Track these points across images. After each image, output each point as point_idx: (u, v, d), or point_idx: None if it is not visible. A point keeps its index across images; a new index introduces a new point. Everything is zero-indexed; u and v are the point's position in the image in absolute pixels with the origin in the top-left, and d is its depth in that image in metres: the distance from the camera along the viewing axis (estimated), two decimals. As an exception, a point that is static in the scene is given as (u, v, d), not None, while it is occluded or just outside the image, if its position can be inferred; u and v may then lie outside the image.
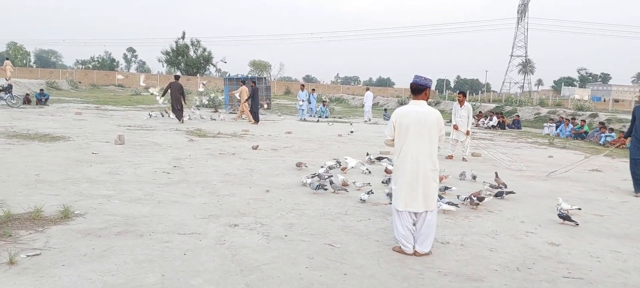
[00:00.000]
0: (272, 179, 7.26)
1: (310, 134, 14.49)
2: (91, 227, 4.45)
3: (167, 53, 61.64)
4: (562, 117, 22.49)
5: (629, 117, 23.58)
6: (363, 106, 24.23)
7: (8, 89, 19.29)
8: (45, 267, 3.49)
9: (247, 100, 18.03)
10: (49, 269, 3.46)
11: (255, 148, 10.20)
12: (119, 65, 71.52)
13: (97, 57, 69.60)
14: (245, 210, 5.40)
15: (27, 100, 20.00)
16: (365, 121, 21.72)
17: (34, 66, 77.26)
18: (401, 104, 40.66)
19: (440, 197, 5.81)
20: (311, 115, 23.82)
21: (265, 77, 27.97)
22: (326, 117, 22.51)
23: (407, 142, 4.17)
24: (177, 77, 16.70)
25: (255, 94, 17.32)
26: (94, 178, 6.55)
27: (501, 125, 21.67)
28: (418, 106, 4.25)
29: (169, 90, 15.88)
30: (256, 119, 17.32)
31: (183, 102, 15.83)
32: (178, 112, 15.79)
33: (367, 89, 25.26)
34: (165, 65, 63.42)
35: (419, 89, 4.28)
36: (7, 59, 26.56)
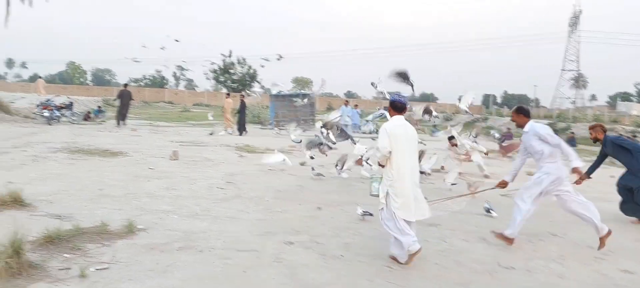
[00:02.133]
0: (323, 196, 7.25)
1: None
2: (154, 241, 4.56)
3: (214, 71, 63.29)
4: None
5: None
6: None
7: (69, 106, 20.28)
8: (114, 281, 3.59)
9: (237, 112, 19.70)
10: (117, 283, 3.56)
11: (303, 164, 10.24)
12: (168, 83, 73.99)
13: (149, 75, 72.37)
14: (300, 227, 5.41)
15: (87, 117, 20.96)
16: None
17: (91, 84, 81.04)
18: (447, 119, 39.98)
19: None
20: (355, 131, 23.75)
21: (309, 93, 28.20)
22: (370, 132, 22.35)
23: (402, 156, 4.38)
24: (125, 85, 20.47)
25: (244, 107, 19.44)
26: (153, 193, 6.74)
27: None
28: (402, 121, 4.54)
29: (120, 98, 19.02)
30: (240, 132, 18.73)
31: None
32: (123, 116, 18.95)
33: (347, 103, 25.13)
34: (212, 82, 65.06)
35: (401, 107, 4.62)
36: (40, 77, 28.21)
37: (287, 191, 7.50)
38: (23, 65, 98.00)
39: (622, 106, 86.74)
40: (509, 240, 5.00)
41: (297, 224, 5.53)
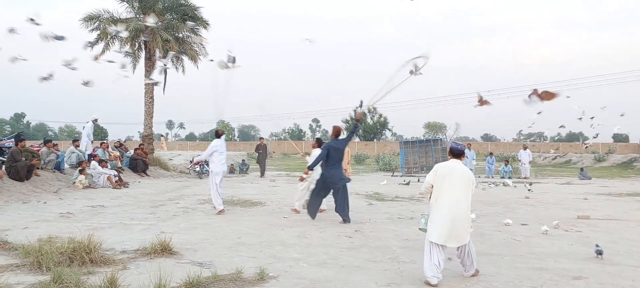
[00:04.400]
0: (451, 250, 6.99)
1: (489, 195, 13.70)
2: (283, 289, 4.84)
3: (346, 121, 65.48)
4: None
5: None
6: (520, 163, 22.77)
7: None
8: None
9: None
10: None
11: (423, 230, 9.99)
12: (306, 135, 78.22)
13: (288, 129, 77.36)
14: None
15: (232, 170, 22.98)
16: (524, 179, 19.64)
17: (237, 140, 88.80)
18: (598, 160, 35.97)
19: None
20: (487, 176, 22.58)
21: (440, 138, 27.63)
22: (509, 177, 21.02)
23: (444, 188, 5.24)
24: (260, 139, 23.25)
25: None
26: (285, 241, 7.16)
27: None
28: (456, 164, 5.37)
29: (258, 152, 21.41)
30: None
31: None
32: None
33: (525, 148, 23.36)
34: (345, 132, 67.27)
35: (458, 153, 5.45)
36: (162, 136, 31.80)
37: (416, 240, 7.39)
38: (181, 125, 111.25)
39: None
40: None
41: (423, 275, 5.42)
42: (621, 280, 5.21)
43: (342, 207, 8.87)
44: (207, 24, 22.92)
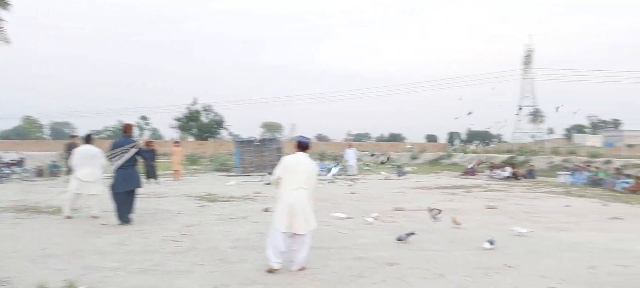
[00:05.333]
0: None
1: (321, 192, 14.37)
2: (96, 302, 4.32)
3: (179, 119, 62.74)
4: (577, 165, 22.15)
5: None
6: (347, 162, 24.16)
7: (20, 162, 19.61)
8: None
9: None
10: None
11: (266, 210, 10.08)
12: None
13: (111, 127, 71.14)
14: (256, 277, 5.24)
15: (40, 173, 20.20)
16: (351, 179, 20.02)
17: (49, 138, 78.74)
18: (413, 158, 40.50)
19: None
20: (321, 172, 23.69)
21: (276, 138, 28.22)
22: (339, 175, 22.34)
23: (289, 180, 5.50)
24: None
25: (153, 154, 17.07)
26: (102, 249, 6.45)
27: (515, 176, 21.36)
28: (303, 157, 5.63)
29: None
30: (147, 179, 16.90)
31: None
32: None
33: (350, 146, 25.32)
34: (178, 131, 64.40)
35: (304, 146, 5.72)
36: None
37: (247, 240, 7.31)
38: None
39: (578, 138, 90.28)
40: None
41: (253, 274, 5.36)
42: (427, 263, 5.82)
43: (125, 209, 8.39)
44: (7, 3, 19.99)
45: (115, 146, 8.59)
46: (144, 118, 73.13)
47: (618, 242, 7.18)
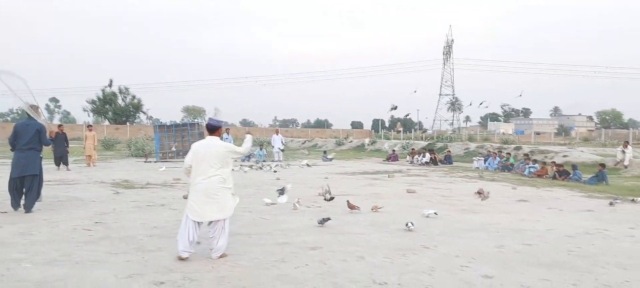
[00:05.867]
0: (205, 229, 6.89)
1: (246, 179, 14.19)
2: (-7, 297, 3.96)
3: (93, 102, 59.21)
4: (490, 151, 23.59)
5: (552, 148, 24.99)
6: (273, 148, 24.14)
7: None
8: None
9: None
10: None
11: (186, 197, 9.76)
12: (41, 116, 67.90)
13: (16, 109, 65.76)
14: (173, 266, 5.05)
15: None
16: (276, 165, 19.92)
17: None
18: (339, 144, 41.16)
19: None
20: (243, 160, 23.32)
21: (197, 122, 27.45)
22: (263, 161, 22.22)
23: (201, 167, 5.25)
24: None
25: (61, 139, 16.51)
26: (3, 240, 5.94)
27: (434, 162, 22.36)
28: (212, 141, 5.41)
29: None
30: (58, 165, 16.55)
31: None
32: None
33: (276, 132, 25.28)
34: (91, 114, 60.81)
35: (214, 128, 5.48)
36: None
37: (165, 227, 7.04)
38: None
39: (492, 126, 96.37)
40: None
41: (170, 263, 5.16)
42: (348, 247, 5.92)
43: (19, 195, 7.92)
44: None
45: (18, 129, 7.93)
46: (54, 100, 68.26)
47: (524, 223, 7.71)
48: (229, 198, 5.40)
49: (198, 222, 5.29)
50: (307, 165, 19.78)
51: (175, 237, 6.21)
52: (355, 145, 40.21)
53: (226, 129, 26.27)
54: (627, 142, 20.92)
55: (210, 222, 5.33)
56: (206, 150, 5.31)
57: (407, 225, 6.90)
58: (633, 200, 10.35)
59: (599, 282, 4.62)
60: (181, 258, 5.18)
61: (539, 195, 11.52)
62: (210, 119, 5.66)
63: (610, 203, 9.72)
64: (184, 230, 5.25)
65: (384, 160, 25.07)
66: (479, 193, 7.86)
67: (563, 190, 12.48)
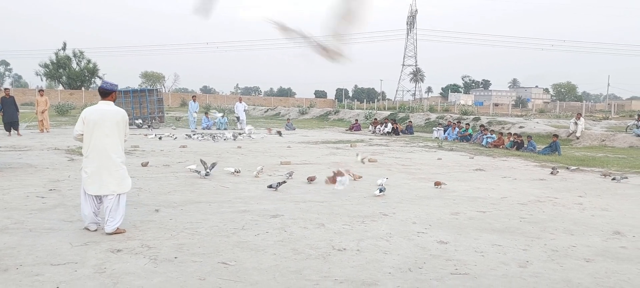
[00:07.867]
0: (163, 197, 6.83)
1: (207, 147, 14.02)
2: (-62, 266, 3.81)
3: (46, 66, 56.60)
4: (450, 122, 24.10)
5: (507, 119, 25.73)
6: (238, 118, 23.75)
7: None
8: None
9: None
10: None
11: (144, 165, 9.60)
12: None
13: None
14: (131, 233, 4.98)
15: None
16: (240, 133, 19.07)
17: None
18: (302, 113, 41.10)
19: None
20: (204, 127, 22.96)
21: (156, 89, 26.74)
22: (225, 129, 21.95)
23: (95, 136, 4.87)
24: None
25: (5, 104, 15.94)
26: (-52, 209, 5.69)
27: (395, 131, 22.69)
28: (107, 106, 5.01)
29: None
30: (8, 130, 16.03)
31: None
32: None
33: (240, 100, 24.84)
34: (44, 79, 58.19)
35: (106, 92, 5.04)
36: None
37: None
38: None
39: (452, 97, 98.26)
40: None
41: (128, 230, 5.09)
42: (309, 214, 5.99)
43: None
44: None
45: None
46: (4, 63, 64.85)
47: (479, 191, 7.99)
48: (126, 170, 5.12)
49: (95, 196, 4.95)
50: (279, 133, 19.67)
51: (132, 205, 6.15)
52: (319, 114, 40.27)
53: (193, 96, 25.66)
54: (580, 114, 21.83)
55: (105, 196, 4.94)
56: (100, 116, 4.90)
57: (378, 190, 7.32)
58: (567, 168, 10.94)
59: (547, 247, 4.86)
60: (90, 230, 4.96)
61: (494, 164, 11.91)
62: (103, 82, 5.21)
63: (551, 172, 10.23)
64: (85, 204, 4.95)
65: (346, 130, 25.24)
66: (437, 183, 8.22)
67: (518, 160, 12.95)
